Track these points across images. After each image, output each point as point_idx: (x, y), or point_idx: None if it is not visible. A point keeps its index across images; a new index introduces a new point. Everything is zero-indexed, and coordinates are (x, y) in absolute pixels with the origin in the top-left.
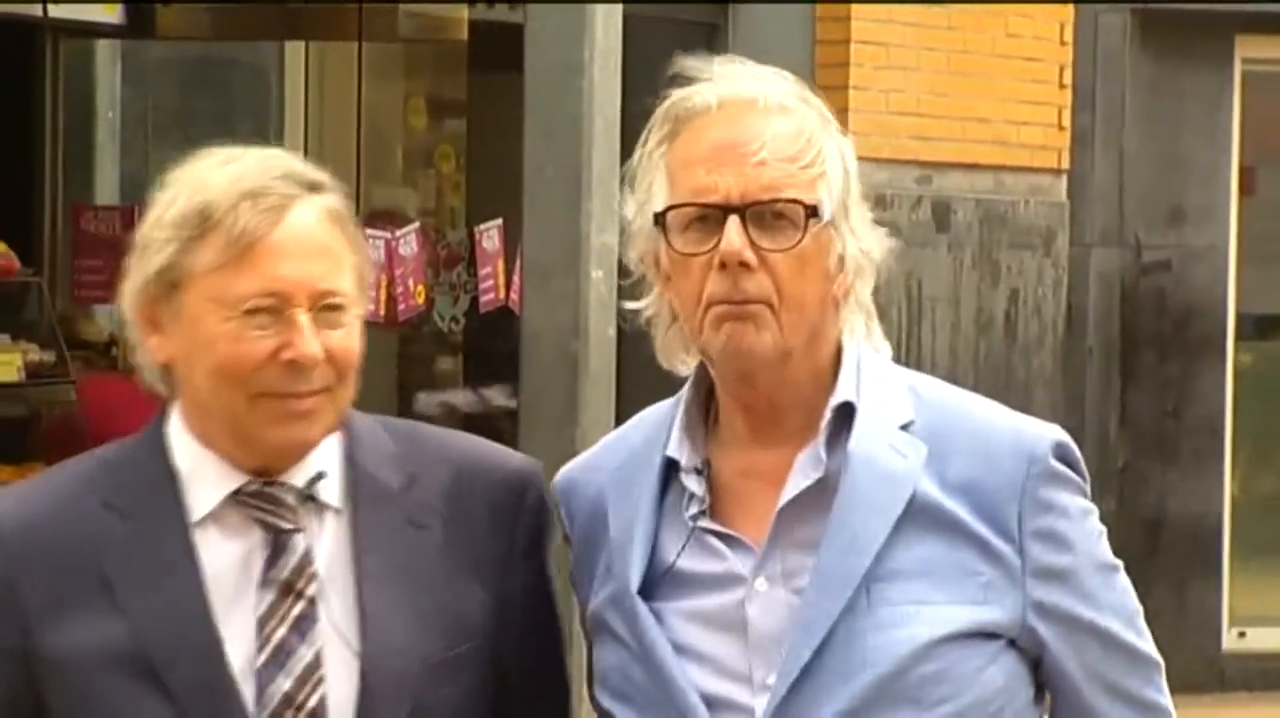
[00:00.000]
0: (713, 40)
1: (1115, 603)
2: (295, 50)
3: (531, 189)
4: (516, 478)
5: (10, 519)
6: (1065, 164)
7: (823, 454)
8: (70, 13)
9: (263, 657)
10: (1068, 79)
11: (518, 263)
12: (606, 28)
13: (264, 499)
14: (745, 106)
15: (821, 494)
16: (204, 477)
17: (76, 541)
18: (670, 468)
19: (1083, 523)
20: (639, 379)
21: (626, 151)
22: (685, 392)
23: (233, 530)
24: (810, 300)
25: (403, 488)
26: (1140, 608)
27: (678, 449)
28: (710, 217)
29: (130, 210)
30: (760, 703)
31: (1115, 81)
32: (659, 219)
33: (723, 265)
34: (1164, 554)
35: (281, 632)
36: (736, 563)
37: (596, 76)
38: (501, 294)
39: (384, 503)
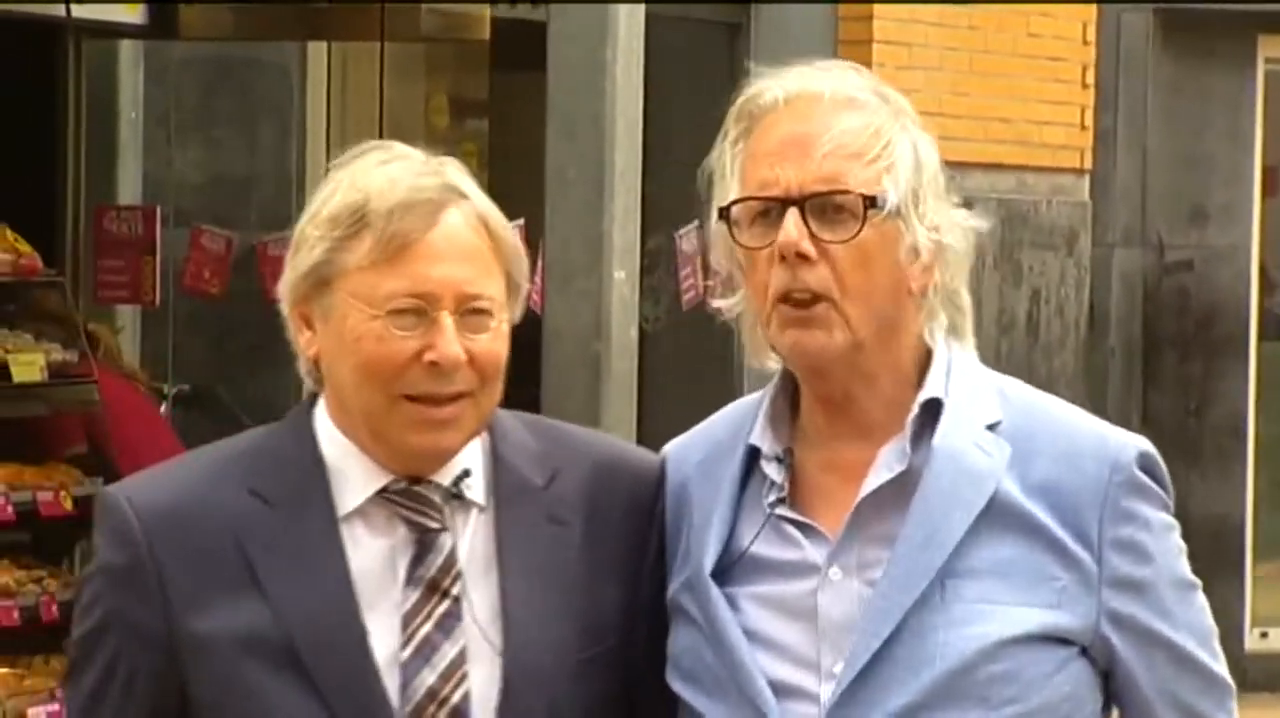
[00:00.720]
0: (735, 40)
1: (1192, 621)
2: (318, 50)
3: (553, 189)
4: (653, 476)
5: (152, 503)
6: (1088, 164)
7: (908, 449)
8: (92, 13)
9: (407, 652)
10: (1090, 79)
11: (539, 263)
12: (629, 27)
13: (410, 498)
14: (811, 101)
15: (902, 489)
16: (351, 472)
17: (220, 525)
18: (753, 457)
19: (1164, 538)
20: (660, 379)
21: (648, 151)
22: (773, 383)
23: (378, 527)
24: (876, 292)
25: (544, 485)
26: (1216, 629)
27: (760, 438)
28: (772, 210)
29: (152, 211)
30: (827, 691)
31: (1137, 81)
32: (724, 214)
33: (782, 257)
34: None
35: (427, 629)
36: (812, 552)
37: (619, 76)
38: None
39: (526, 500)
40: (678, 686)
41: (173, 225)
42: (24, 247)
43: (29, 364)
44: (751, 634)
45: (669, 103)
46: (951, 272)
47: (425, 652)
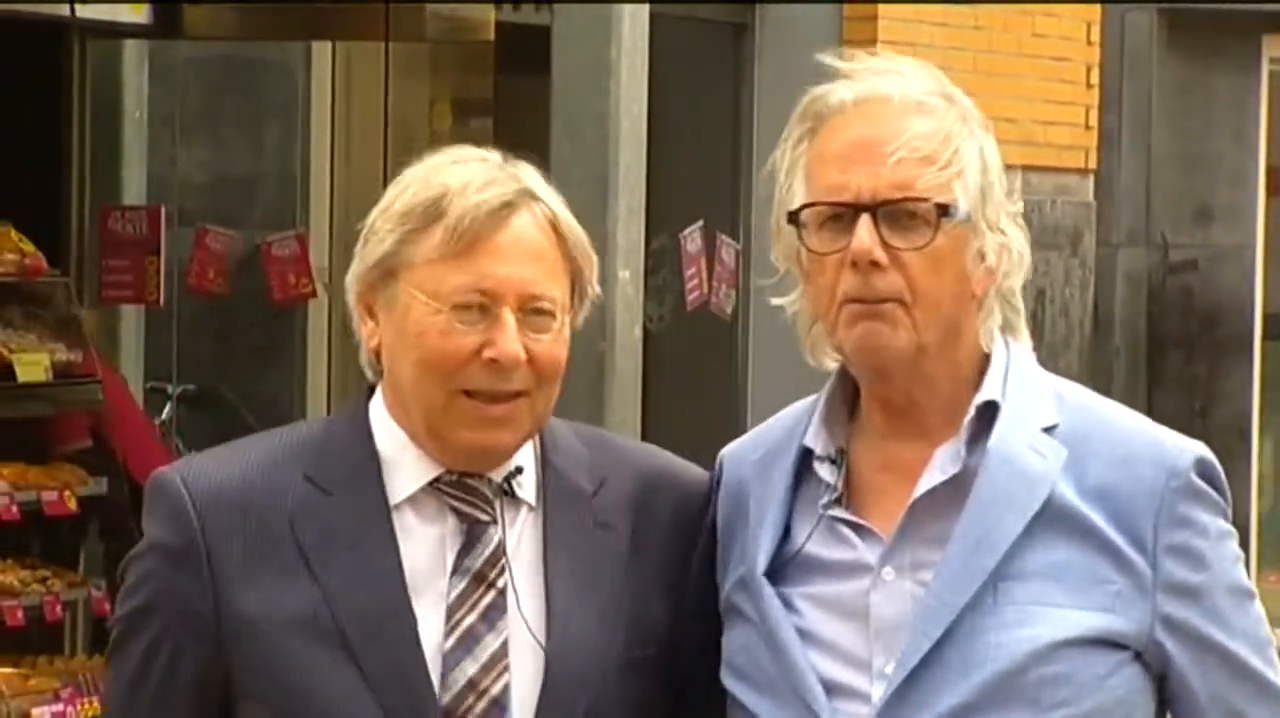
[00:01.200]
0: (739, 40)
1: (1248, 629)
2: (322, 50)
3: (558, 189)
4: (700, 490)
5: (206, 485)
6: (1092, 164)
7: (963, 451)
8: (97, 13)
9: (450, 641)
10: (1094, 79)
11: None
12: (633, 28)
13: (462, 489)
14: (881, 104)
15: (957, 490)
16: (405, 462)
17: (274, 508)
18: (806, 457)
19: (1220, 544)
20: (664, 379)
21: (652, 151)
22: (829, 384)
23: (429, 516)
24: (945, 298)
25: (593, 492)
26: (1273, 639)
27: (814, 439)
28: (843, 215)
29: (157, 211)
30: (878, 690)
31: (1142, 81)
32: (793, 218)
33: (854, 264)
34: None
35: (470, 619)
36: (865, 552)
37: (624, 76)
38: None
39: (575, 504)
40: (730, 683)
41: (177, 225)
42: (28, 246)
43: (33, 364)
44: (805, 634)
45: (673, 103)
46: (1011, 272)
47: (468, 642)
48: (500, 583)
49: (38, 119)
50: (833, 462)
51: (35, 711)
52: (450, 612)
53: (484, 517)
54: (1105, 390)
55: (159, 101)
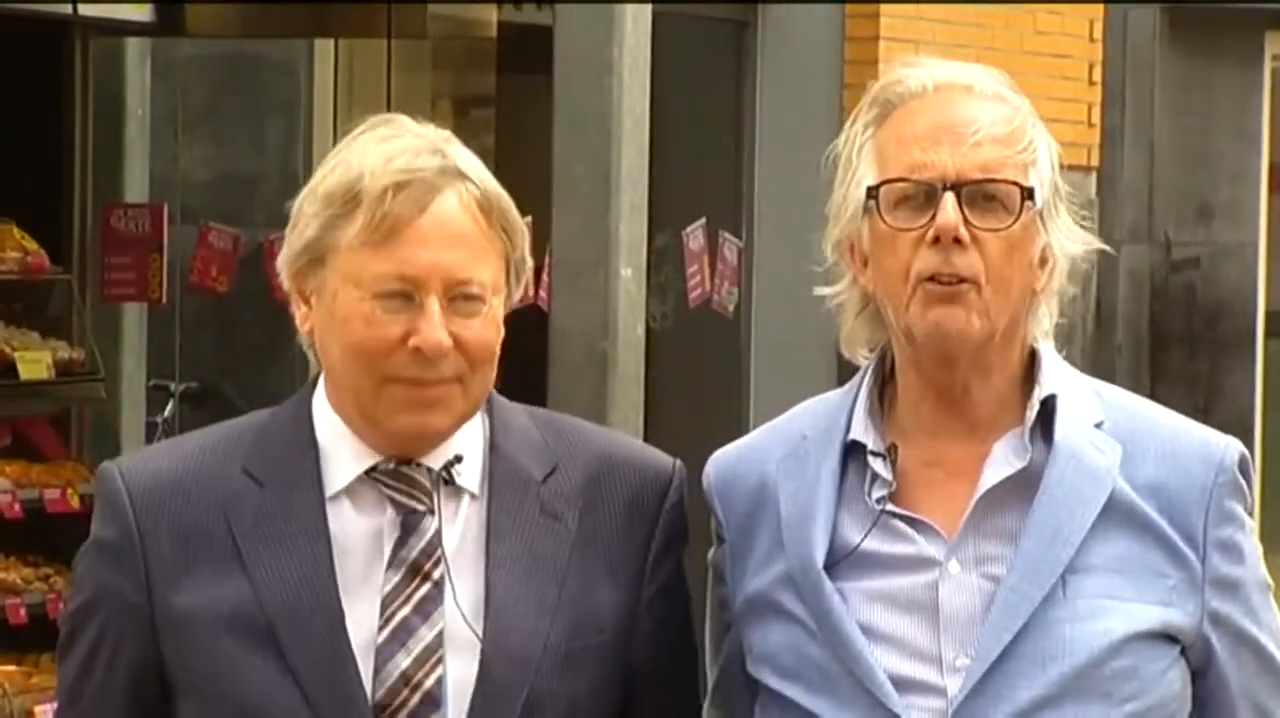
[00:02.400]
0: (742, 38)
1: (1272, 623)
2: (324, 48)
3: (561, 187)
4: (659, 476)
5: (144, 478)
6: (1095, 161)
7: (1028, 444)
8: (100, 11)
9: (383, 635)
10: (1097, 76)
11: (546, 261)
12: (636, 25)
13: (398, 479)
14: (961, 91)
15: (1018, 485)
16: (342, 451)
17: (211, 502)
18: (848, 452)
19: (1251, 538)
20: (667, 377)
21: (655, 149)
22: (864, 379)
23: (366, 508)
24: (1015, 285)
25: (542, 478)
26: None
27: (863, 433)
28: (922, 194)
29: (159, 208)
30: (954, 684)
31: (1144, 78)
32: (872, 193)
33: (936, 240)
34: None
35: (404, 612)
36: (926, 546)
37: (626, 74)
38: (530, 292)
39: (521, 491)
40: (773, 682)
41: (180, 223)
42: (31, 244)
43: (36, 362)
44: (865, 629)
45: (676, 101)
46: (1064, 277)
47: (401, 636)
48: (436, 574)
49: (40, 117)
50: (884, 457)
51: (38, 708)
52: (384, 604)
53: (420, 507)
54: None
55: (161, 99)
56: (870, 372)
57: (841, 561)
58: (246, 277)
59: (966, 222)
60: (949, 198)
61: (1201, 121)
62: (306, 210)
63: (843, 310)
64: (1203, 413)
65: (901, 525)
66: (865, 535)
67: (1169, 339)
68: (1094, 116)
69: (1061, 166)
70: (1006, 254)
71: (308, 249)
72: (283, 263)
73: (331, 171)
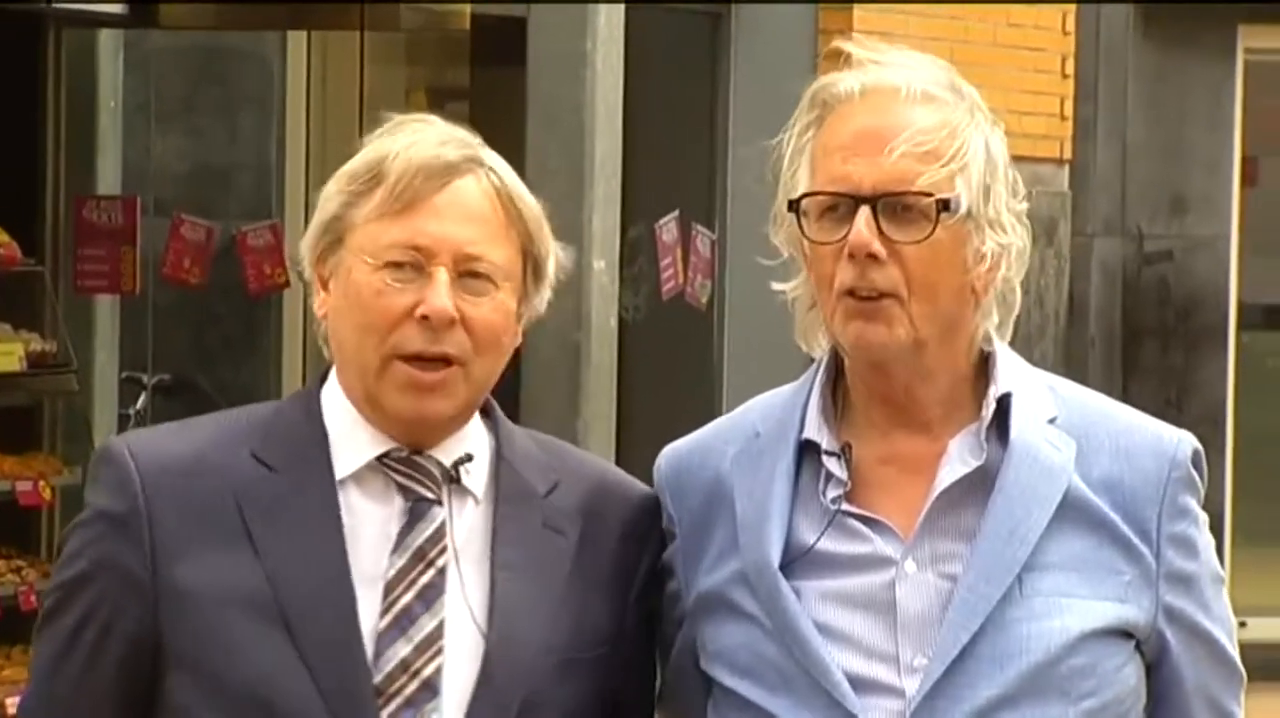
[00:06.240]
0: (716, 30)
1: (1224, 615)
2: (298, 40)
3: (534, 179)
4: (647, 506)
5: (154, 456)
6: (1068, 154)
7: (983, 443)
8: (73, 3)
9: (385, 621)
10: (1070, 69)
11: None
12: (609, 18)
13: (409, 466)
14: (888, 96)
15: (975, 482)
16: (353, 438)
17: (220, 485)
18: (801, 451)
19: (1204, 531)
20: (640, 369)
21: (628, 141)
22: (817, 375)
23: (375, 495)
24: (943, 292)
25: (545, 493)
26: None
27: (817, 432)
28: (842, 205)
29: (132, 200)
30: (911, 684)
31: (1118, 71)
32: (794, 206)
33: (851, 255)
34: None
35: (407, 598)
36: (882, 545)
37: (599, 66)
38: None
39: (525, 502)
40: (730, 681)
41: (153, 215)
42: (3, 236)
43: (7, 354)
44: (821, 628)
45: (649, 93)
46: (1013, 269)
47: (403, 622)
48: (440, 562)
49: (13, 109)
50: (838, 456)
51: (10, 701)
52: (388, 589)
53: (429, 495)
54: (1080, 381)
55: (134, 91)
56: (823, 368)
57: (797, 560)
58: (219, 269)
59: (882, 234)
60: (863, 213)
61: (1174, 115)
62: (330, 190)
63: (797, 304)
64: (1175, 406)
65: (857, 525)
66: (820, 536)
67: (1142, 332)
68: (1067, 109)
69: (1032, 159)
70: (930, 263)
71: (327, 228)
72: (305, 248)
73: (360, 156)
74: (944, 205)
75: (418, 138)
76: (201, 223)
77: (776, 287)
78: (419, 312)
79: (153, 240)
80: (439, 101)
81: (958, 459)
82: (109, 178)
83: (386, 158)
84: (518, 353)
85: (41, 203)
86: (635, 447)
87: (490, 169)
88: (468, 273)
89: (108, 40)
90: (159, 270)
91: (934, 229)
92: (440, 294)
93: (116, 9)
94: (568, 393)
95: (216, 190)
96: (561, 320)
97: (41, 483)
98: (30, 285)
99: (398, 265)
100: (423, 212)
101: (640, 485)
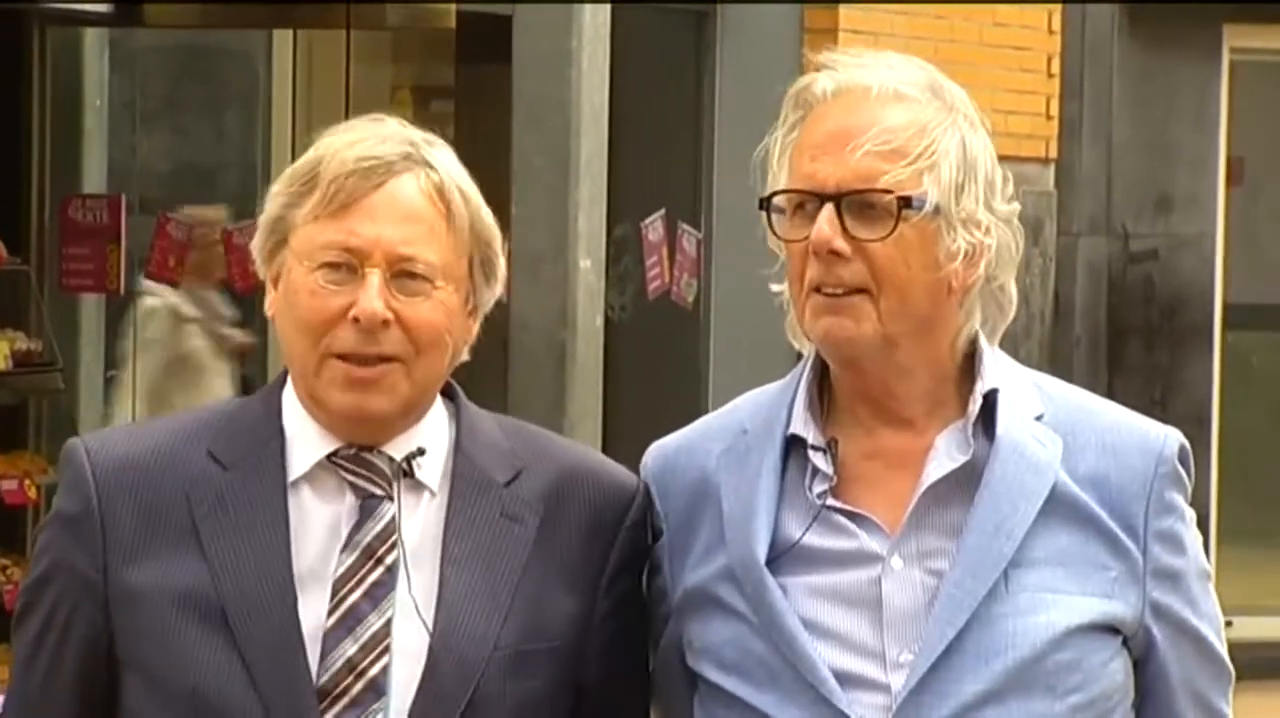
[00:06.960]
0: (702, 29)
1: (1212, 612)
2: (283, 38)
3: (520, 177)
4: (623, 492)
5: (109, 454)
6: (1053, 153)
7: (970, 439)
8: (59, 2)
9: (332, 620)
10: (1055, 68)
11: (505, 251)
12: (595, 17)
13: (358, 464)
14: (858, 95)
15: (961, 478)
16: (305, 437)
17: (174, 483)
18: (788, 446)
19: (1191, 527)
20: (626, 368)
21: (614, 139)
22: (803, 372)
23: (327, 495)
24: (914, 289)
25: (505, 482)
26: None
27: (803, 428)
28: (809, 204)
29: (117, 199)
30: (897, 679)
31: (1103, 71)
32: (764, 204)
33: (815, 252)
34: None
35: (355, 596)
36: (868, 541)
37: (585, 65)
38: None
39: (482, 493)
40: (717, 677)
41: (138, 213)
42: None
43: None
44: (807, 624)
45: (635, 92)
46: (1001, 268)
47: (349, 621)
48: (389, 559)
49: None
50: (824, 451)
51: None
52: (336, 588)
53: (378, 492)
54: (1065, 379)
55: (120, 89)
56: (809, 365)
57: (783, 556)
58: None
59: (846, 232)
60: (826, 210)
61: (1160, 114)
62: (274, 190)
63: (789, 301)
64: (1160, 405)
65: (843, 520)
66: (806, 531)
67: (1127, 331)
68: (1052, 108)
69: (1017, 158)
70: (898, 260)
71: (272, 229)
72: (254, 248)
73: (304, 156)
74: (905, 203)
75: (358, 137)
76: (186, 222)
77: (775, 288)
78: (351, 313)
79: (138, 239)
80: (424, 100)
81: (945, 455)
82: (94, 177)
83: (323, 159)
84: (505, 351)
85: (26, 201)
86: (621, 445)
87: (430, 167)
88: (403, 273)
89: (93, 39)
90: (144, 269)
91: (895, 227)
92: (370, 297)
93: (102, 8)
94: (553, 392)
95: (202, 189)
96: (547, 319)
97: (27, 482)
98: (15, 284)
99: (332, 267)
100: (356, 213)
101: (621, 471)
